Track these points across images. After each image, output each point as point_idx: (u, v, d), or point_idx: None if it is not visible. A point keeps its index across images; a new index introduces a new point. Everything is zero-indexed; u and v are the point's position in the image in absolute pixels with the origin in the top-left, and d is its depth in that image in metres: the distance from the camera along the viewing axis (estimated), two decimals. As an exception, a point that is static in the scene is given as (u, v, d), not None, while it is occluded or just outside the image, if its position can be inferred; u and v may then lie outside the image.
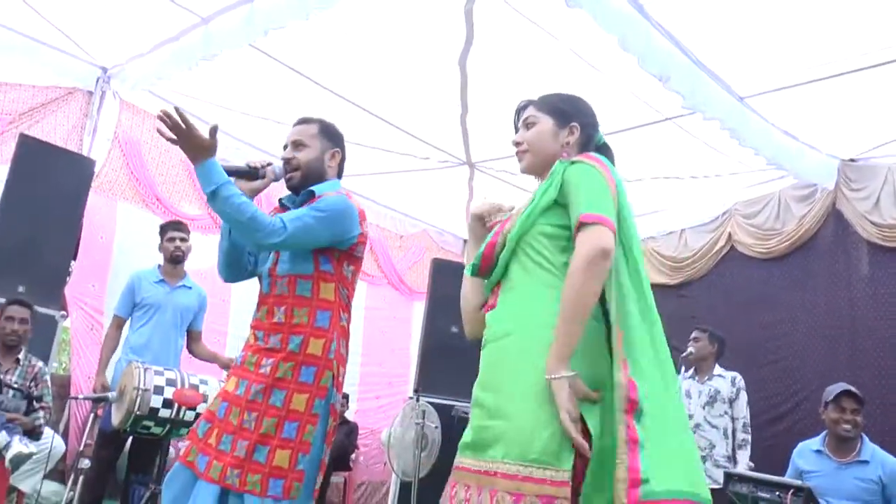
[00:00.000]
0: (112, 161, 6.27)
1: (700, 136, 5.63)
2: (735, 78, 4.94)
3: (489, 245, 1.93)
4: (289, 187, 2.76)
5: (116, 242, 6.25)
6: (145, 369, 3.54)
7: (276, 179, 2.73)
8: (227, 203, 2.39)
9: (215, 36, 5.12)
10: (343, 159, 2.89)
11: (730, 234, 6.78)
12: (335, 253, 2.61)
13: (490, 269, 1.95)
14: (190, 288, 4.77)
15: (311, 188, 2.67)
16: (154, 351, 4.50)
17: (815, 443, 4.12)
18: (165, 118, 2.26)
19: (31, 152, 5.13)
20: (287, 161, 2.72)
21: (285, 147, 2.77)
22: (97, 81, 6.13)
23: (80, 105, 6.10)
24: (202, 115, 6.66)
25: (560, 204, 1.86)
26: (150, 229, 6.15)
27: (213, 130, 2.32)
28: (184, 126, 2.27)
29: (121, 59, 6.01)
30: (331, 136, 2.80)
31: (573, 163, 1.89)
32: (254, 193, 2.68)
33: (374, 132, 6.48)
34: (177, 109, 2.27)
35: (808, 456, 4.11)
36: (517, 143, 2.06)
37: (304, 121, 2.80)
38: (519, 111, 2.12)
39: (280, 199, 2.83)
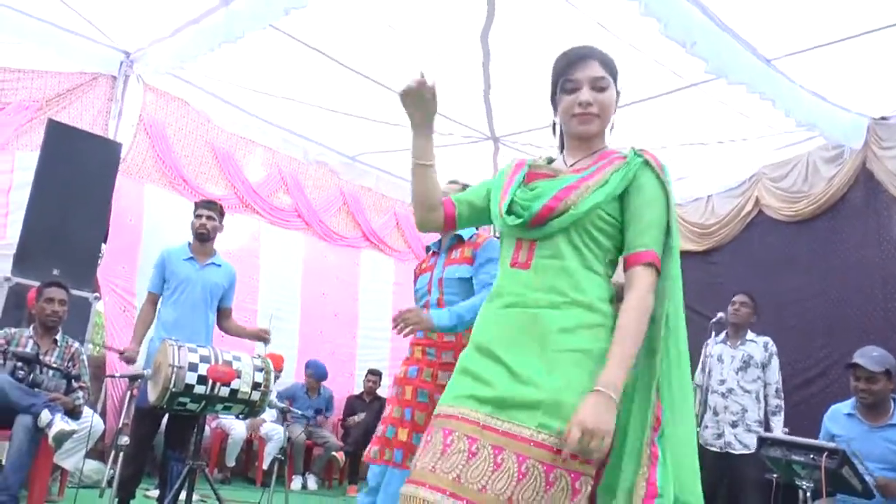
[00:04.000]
0: (138, 144, 6.37)
1: (726, 100, 5.55)
2: (761, 40, 4.86)
3: (547, 207, 1.79)
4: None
5: (145, 224, 6.35)
6: (179, 346, 3.58)
7: None
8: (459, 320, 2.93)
9: (236, 17, 5.15)
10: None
11: (757, 199, 6.73)
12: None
13: (535, 226, 1.83)
14: (219, 266, 4.79)
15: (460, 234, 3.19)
16: (185, 327, 4.50)
17: (846, 406, 4.08)
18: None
19: (59, 137, 5.23)
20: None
21: None
22: (120, 66, 6.21)
23: (104, 90, 6.18)
24: (225, 97, 6.73)
25: (621, 198, 1.83)
26: (177, 210, 6.27)
27: None
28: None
29: (143, 43, 6.07)
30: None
31: (647, 163, 1.84)
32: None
33: (398, 110, 6.40)
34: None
35: (839, 419, 4.06)
36: (589, 104, 1.87)
37: None
38: (577, 62, 1.90)
39: (427, 247, 3.42)
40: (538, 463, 1.61)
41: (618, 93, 1.94)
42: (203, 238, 4.70)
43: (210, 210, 4.75)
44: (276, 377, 3.94)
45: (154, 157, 6.42)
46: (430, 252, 3.34)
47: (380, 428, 3.09)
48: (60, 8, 5.51)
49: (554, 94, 1.97)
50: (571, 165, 1.92)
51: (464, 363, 1.85)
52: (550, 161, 2.02)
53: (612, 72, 1.92)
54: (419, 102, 2.01)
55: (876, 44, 4.72)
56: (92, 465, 5.31)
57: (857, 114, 5.73)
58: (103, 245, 5.70)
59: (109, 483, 3.80)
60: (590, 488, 1.68)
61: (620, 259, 1.86)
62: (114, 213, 5.76)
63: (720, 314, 5.21)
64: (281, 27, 5.45)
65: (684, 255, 7.20)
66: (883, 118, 5.81)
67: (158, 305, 4.77)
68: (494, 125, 6.66)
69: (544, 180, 1.90)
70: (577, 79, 1.88)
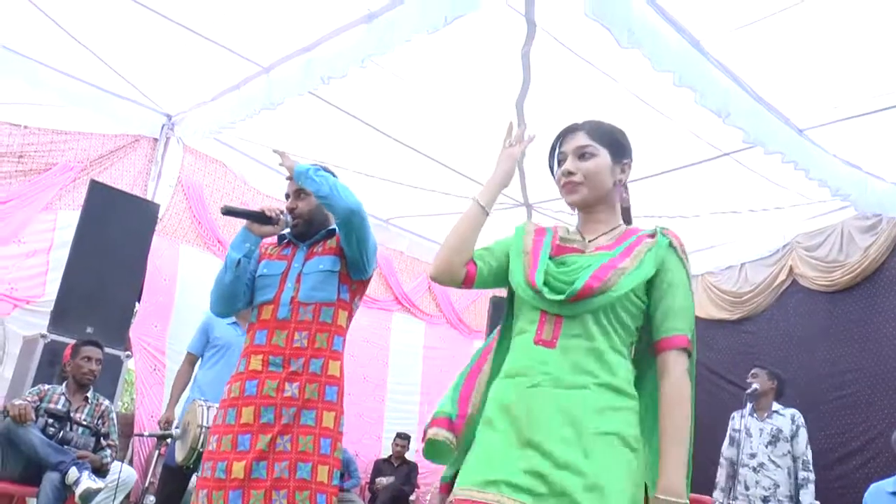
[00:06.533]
0: (175, 205, 6.48)
1: (759, 169, 5.57)
2: (794, 111, 4.88)
3: (588, 287, 1.73)
4: (294, 234, 2.93)
5: (179, 284, 6.40)
6: (208, 407, 3.58)
7: (286, 227, 2.88)
8: (329, 175, 2.73)
9: (276, 84, 5.28)
10: None
11: (791, 268, 6.66)
12: (353, 284, 2.84)
13: (573, 303, 1.76)
14: None
15: (332, 227, 2.91)
16: (221, 391, 4.54)
17: (890, 483, 3.94)
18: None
19: (100, 198, 5.35)
20: (290, 210, 2.89)
21: (287, 196, 2.94)
22: (162, 128, 6.37)
23: (145, 151, 6.34)
24: (263, 160, 6.85)
25: (648, 279, 1.80)
26: (211, 271, 6.24)
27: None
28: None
29: (184, 106, 6.24)
30: None
31: (671, 245, 1.83)
32: (263, 235, 2.86)
33: (432, 175, 6.59)
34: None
35: (882, 498, 3.93)
36: (570, 173, 1.88)
37: None
38: (566, 135, 1.94)
39: (282, 235, 2.97)
40: None
41: (624, 162, 1.93)
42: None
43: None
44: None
45: (190, 217, 6.52)
46: (285, 241, 2.96)
47: (206, 466, 2.64)
48: (105, 71, 5.70)
49: (552, 170, 2.00)
50: (591, 241, 1.89)
51: (486, 443, 1.73)
52: (567, 233, 1.98)
53: (607, 140, 1.91)
54: (516, 157, 2.07)
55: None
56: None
57: (893, 183, 5.68)
58: (137, 303, 5.76)
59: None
60: None
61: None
62: (149, 272, 5.82)
63: (755, 386, 5.10)
64: (318, 93, 5.56)
65: (717, 323, 7.11)
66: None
67: (196, 368, 4.79)
68: (528, 191, 6.72)
69: (574, 255, 1.86)
70: (564, 150, 1.93)
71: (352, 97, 5.68)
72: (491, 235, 1.99)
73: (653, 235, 1.83)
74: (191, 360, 4.84)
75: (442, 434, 1.86)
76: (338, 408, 2.71)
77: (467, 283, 1.95)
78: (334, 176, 2.83)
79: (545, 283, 1.79)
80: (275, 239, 2.99)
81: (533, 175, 6.34)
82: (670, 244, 1.82)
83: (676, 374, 1.74)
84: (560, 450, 1.62)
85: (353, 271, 2.82)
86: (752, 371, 5.27)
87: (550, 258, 1.86)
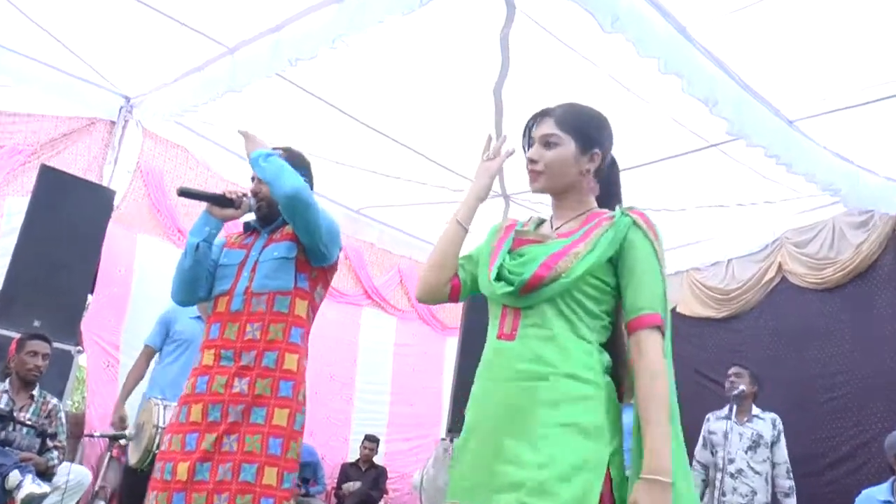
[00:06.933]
0: (133, 192, 6.39)
1: (747, 162, 5.56)
2: (784, 101, 4.87)
3: (536, 276, 1.79)
4: (258, 218, 2.94)
5: (135, 276, 6.32)
6: (164, 406, 3.56)
7: (250, 210, 2.90)
8: (279, 159, 2.68)
9: (242, 66, 5.21)
10: (311, 186, 2.95)
11: (780, 265, 6.67)
12: (313, 272, 2.80)
13: (524, 295, 1.83)
14: None
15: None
16: (180, 389, 4.46)
17: (882, 491, 3.96)
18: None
19: (51, 183, 5.26)
20: (255, 194, 2.89)
21: (252, 178, 2.92)
22: (120, 111, 6.27)
23: (101, 135, 6.24)
24: (227, 145, 6.76)
25: (611, 261, 1.85)
26: (170, 262, 6.15)
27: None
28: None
29: (144, 88, 6.14)
30: (296, 166, 2.83)
31: (636, 223, 1.85)
32: (225, 219, 2.87)
33: (405, 163, 6.54)
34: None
35: (873, 504, 3.95)
36: (533, 161, 1.95)
37: None
38: (535, 119, 2.01)
39: (248, 223, 2.98)
40: None
41: (593, 152, 1.94)
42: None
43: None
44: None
45: (149, 205, 6.43)
46: (251, 230, 2.96)
47: (157, 467, 2.64)
48: (59, 50, 5.59)
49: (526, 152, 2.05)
50: (557, 229, 1.95)
51: (458, 451, 1.89)
52: (541, 223, 2.05)
53: (575, 129, 1.94)
54: (494, 172, 2.13)
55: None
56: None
57: (886, 178, 5.70)
58: (90, 296, 5.67)
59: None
60: None
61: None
62: (103, 262, 5.71)
63: (742, 387, 5.05)
64: (286, 76, 5.49)
65: (703, 321, 7.07)
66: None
67: (153, 362, 4.70)
68: (506, 182, 6.66)
69: (532, 246, 1.91)
70: (533, 136, 1.99)
71: (321, 80, 5.60)
72: (472, 225, 2.07)
73: (612, 217, 1.88)
74: (148, 353, 4.76)
75: None
76: (293, 404, 2.64)
77: (454, 296, 2.07)
78: (286, 161, 2.79)
79: (498, 277, 1.88)
80: (242, 227, 3.00)
81: (511, 166, 6.28)
82: (634, 223, 1.85)
83: (650, 353, 1.76)
84: (511, 445, 1.72)
85: (312, 258, 2.79)
86: (734, 370, 5.23)
87: (510, 252, 1.94)
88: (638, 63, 4.34)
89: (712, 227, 6.88)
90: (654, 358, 1.76)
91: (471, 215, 2.07)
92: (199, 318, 4.61)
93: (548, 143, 1.93)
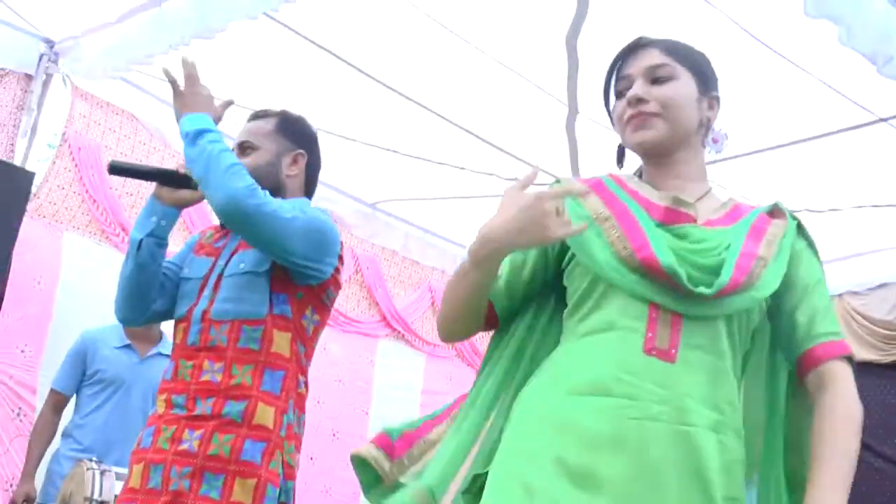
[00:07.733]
0: (58, 174, 6.05)
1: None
2: None
3: (734, 281, 1.72)
4: None
5: (60, 290, 6.09)
6: (102, 472, 3.73)
7: None
8: (213, 145, 2.54)
9: (215, 3, 5.09)
10: (313, 166, 2.94)
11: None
12: (297, 292, 2.68)
13: (714, 299, 1.69)
14: (168, 356, 4.71)
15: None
16: (113, 446, 4.46)
17: None
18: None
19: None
20: None
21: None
22: (39, 60, 5.94)
23: (13, 93, 5.90)
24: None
25: None
26: (110, 271, 6.07)
27: (226, 104, 2.74)
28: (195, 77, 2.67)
29: (75, 30, 5.79)
30: (294, 135, 2.87)
31: (801, 228, 1.88)
32: (180, 205, 2.81)
33: (441, 140, 6.27)
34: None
35: None
36: (641, 101, 1.83)
37: (258, 115, 2.95)
38: (630, 53, 1.92)
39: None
40: None
41: (713, 95, 1.92)
42: None
43: None
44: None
45: (81, 192, 6.11)
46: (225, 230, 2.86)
47: None
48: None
49: (608, 104, 1.95)
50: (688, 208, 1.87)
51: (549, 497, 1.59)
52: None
53: (697, 67, 1.90)
54: (536, 220, 1.77)
55: None
56: None
57: None
58: (-6, 317, 5.34)
59: None
60: None
61: None
62: (16, 271, 5.45)
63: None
64: (278, 17, 5.29)
65: (862, 367, 7.25)
66: None
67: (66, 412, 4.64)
68: (580, 164, 6.35)
69: (690, 226, 1.79)
70: (630, 74, 1.89)
71: (323, 24, 5.25)
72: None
73: (773, 214, 1.86)
74: (56, 401, 4.70)
75: (367, 450, 1.95)
76: (262, 473, 2.51)
77: (490, 323, 1.96)
78: (277, 130, 2.84)
79: (672, 269, 1.70)
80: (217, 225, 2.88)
81: (586, 140, 6.10)
82: (799, 226, 1.88)
83: (848, 394, 1.71)
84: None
85: (293, 274, 2.66)
86: None
87: (664, 226, 1.78)
88: (773, 4, 4.28)
89: (877, 236, 6.59)
90: (852, 403, 1.70)
91: (499, 264, 1.91)
92: (127, 346, 4.56)
93: (657, 77, 1.86)
